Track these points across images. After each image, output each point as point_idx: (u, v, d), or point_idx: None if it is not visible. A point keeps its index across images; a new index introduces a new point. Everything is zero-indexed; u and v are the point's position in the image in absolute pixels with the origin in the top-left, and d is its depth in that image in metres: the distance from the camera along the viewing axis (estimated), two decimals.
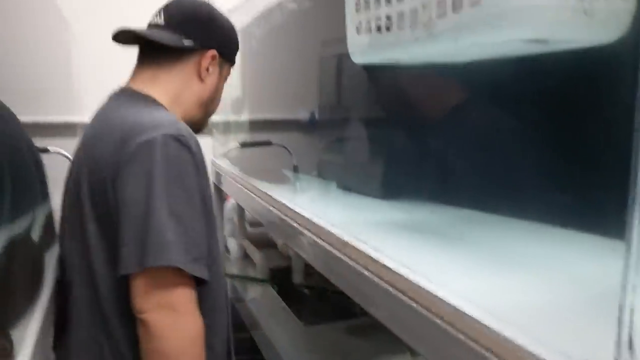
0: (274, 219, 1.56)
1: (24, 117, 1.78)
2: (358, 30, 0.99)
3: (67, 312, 1.04)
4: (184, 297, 0.94)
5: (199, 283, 0.98)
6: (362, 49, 0.99)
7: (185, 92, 1.15)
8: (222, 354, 1.13)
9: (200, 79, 1.16)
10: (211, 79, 1.18)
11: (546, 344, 0.54)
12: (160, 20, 1.14)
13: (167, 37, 1.11)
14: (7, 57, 1.36)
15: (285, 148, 2.00)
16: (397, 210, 1.15)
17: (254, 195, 1.79)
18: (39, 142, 1.74)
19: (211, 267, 1.01)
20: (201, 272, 0.95)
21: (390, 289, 0.85)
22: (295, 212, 1.35)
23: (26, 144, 1.11)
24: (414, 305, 0.76)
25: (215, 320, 1.07)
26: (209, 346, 1.00)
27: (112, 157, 0.98)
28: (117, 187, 0.95)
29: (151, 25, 1.16)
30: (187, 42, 1.12)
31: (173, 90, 1.14)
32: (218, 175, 2.50)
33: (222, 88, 1.24)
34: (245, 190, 1.91)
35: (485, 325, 0.61)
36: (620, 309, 0.46)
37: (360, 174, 1.37)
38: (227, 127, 2.75)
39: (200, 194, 0.99)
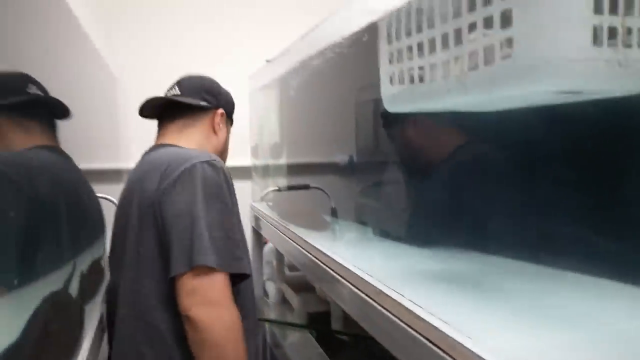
0: (310, 265, 1.55)
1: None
2: (391, 80, 1.00)
3: (114, 330, 1.21)
4: (223, 293, 1.11)
5: (235, 280, 1.18)
6: (395, 99, 1.00)
7: (206, 144, 1.43)
8: (253, 336, 1.33)
9: (215, 132, 1.45)
10: (222, 133, 1.48)
11: None
12: (177, 91, 1.44)
13: (189, 99, 1.41)
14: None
15: (323, 191, 2.02)
16: (433, 259, 1.13)
17: (291, 241, 1.80)
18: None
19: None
20: (243, 269, 1.17)
21: (427, 342, 0.83)
22: (332, 259, 1.34)
23: (87, 190, 1.32)
24: None
25: (245, 311, 1.25)
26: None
27: (157, 185, 1.18)
28: (163, 207, 1.15)
29: (172, 95, 1.44)
30: (203, 103, 1.43)
31: (197, 141, 1.41)
32: (257, 219, 2.52)
33: (229, 140, 1.55)
34: (283, 235, 1.92)
35: None
36: None
37: (397, 220, 1.36)
38: (265, 171, 2.79)
39: (234, 207, 1.22)
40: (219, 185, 1.19)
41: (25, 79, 0.94)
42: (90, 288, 1.25)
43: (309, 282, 2.50)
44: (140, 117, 2.70)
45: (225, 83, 2.92)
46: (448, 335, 0.77)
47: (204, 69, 3.04)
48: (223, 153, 1.51)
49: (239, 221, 1.28)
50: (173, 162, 1.19)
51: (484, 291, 0.92)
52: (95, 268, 1.33)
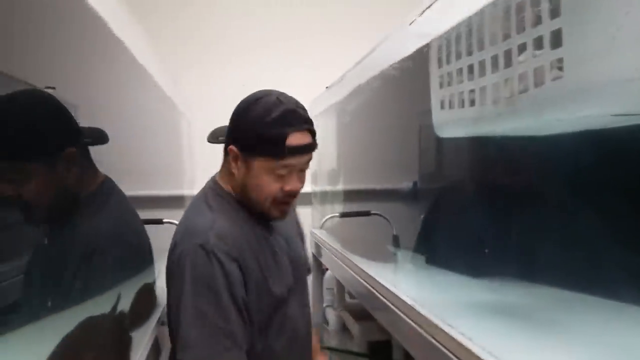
0: (367, 294, 1.53)
1: (144, 191, 1.96)
2: (442, 105, 0.98)
3: None
4: None
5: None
6: (446, 124, 0.98)
7: (234, 181, 1.22)
8: None
9: (232, 170, 1.21)
10: (240, 172, 1.19)
11: None
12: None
13: (212, 135, 1.35)
14: (129, 141, 1.52)
15: (385, 217, 1.99)
16: (489, 291, 1.08)
17: (349, 269, 1.78)
18: (154, 214, 1.89)
19: (258, 340, 1.17)
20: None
21: None
22: (387, 289, 1.31)
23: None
24: None
25: None
26: None
27: (168, 258, 1.17)
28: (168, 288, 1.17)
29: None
30: (221, 138, 1.31)
31: (226, 181, 1.25)
32: (317, 246, 2.52)
33: (261, 180, 1.17)
34: (341, 263, 1.90)
35: None
36: None
37: (450, 249, 1.31)
38: (325, 198, 2.80)
39: (229, 291, 1.10)
40: (208, 271, 1.09)
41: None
42: (139, 314, 1.30)
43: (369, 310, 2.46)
44: (202, 146, 2.87)
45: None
46: None
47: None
48: (251, 193, 1.20)
49: (261, 292, 1.18)
50: (178, 242, 1.16)
51: (540, 324, 0.86)
52: (145, 295, 1.37)
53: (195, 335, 1.05)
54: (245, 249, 1.16)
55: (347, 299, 2.64)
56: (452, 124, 0.96)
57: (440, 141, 1.69)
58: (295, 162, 1.14)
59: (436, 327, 0.96)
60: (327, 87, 2.47)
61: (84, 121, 1.04)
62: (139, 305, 1.25)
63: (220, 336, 1.07)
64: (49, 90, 0.89)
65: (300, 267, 1.36)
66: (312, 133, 1.19)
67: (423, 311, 1.03)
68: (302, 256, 1.41)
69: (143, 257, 1.36)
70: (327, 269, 2.74)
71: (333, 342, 2.36)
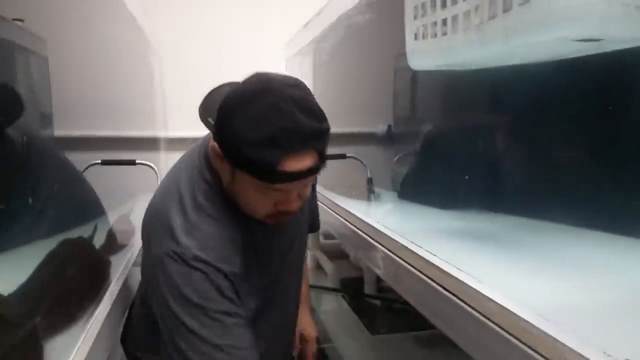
0: (345, 230, 1.57)
1: (115, 133, 1.94)
2: (416, 36, 1.00)
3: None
4: None
5: None
6: (419, 55, 1.00)
7: (220, 171, 0.98)
8: None
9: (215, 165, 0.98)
10: (224, 176, 0.96)
11: (590, 343, 0.52)
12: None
13: (204, 109, 1.07)
14: (102, 82, 1.49)
15: (360, 160, 2.02)
16: (457, 219, 1.14)
17: (327, 207, 1.83)
18: (127, 155, 1.88)
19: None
20: None
21: (443, 290, 0.84)
22: (367, 224, 1.36)
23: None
24: (475, 314, 0.75)
25: None
26: None
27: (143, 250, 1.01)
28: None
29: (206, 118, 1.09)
30: (210, 120, 1.00)
31: (215, 163, 0.98)
32: None
33: (244, 192, 0.94)
34: (319, 203, 1.94)
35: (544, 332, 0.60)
36: None
37: (420, 184, 1.36)
38: None
39: (205, 299, 0.92)
40: (189, 286, 0.92)
41: None
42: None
43: (343, 250, 2.54)
44: (177, 87, 2.79)
45: (262, 53, 2.96)
46: (463, 282, 0.78)
47: (240, 39, 3.08)
48: (239, 201, 0.97)
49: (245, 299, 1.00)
50: (152, 236, 0.97)
51: (501, 245, 0.92)
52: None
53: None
54: (231, 253, 0.97)
55: (322, 240, 2.71)
56: (425, 55, 0.98)
57: (414, 82, 1.71)
58: (291, 187, 0.90)
59: (405, 249, 1.01)
60: (305, 25, 2.44)
61: (52, 56, 1.03)
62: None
63: (219, 353, 0.92)
64: (18, 23, 0.88)
65: (294, 255, 1.17)
66: (319, 150, 0.87)
67: (394, 236, 1.08)
68: (303, 248, 1.23)
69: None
70: None
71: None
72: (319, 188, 2.11)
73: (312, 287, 2.27)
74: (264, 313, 1.07)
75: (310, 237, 2.66)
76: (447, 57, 0.93)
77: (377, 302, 2.09)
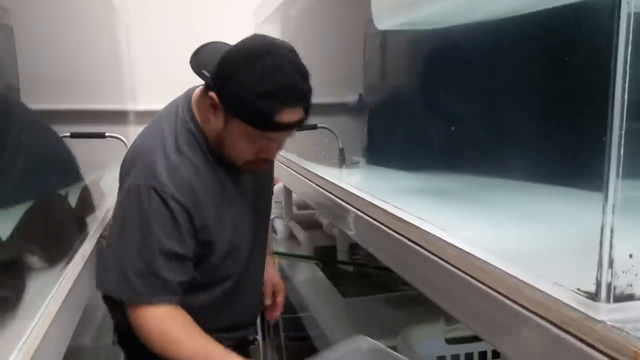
0: (318, 196, 1.59)
1: (84, 105, 1.90)
2: None
3: None
4: (137, 320, 1.07)
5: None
6: (384, 13, 1.01)
7: (205, 126, 1.12)
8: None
9: (208, 118, 1.09)
10: (216, 123, 1.07)
11: (541, 275, 0.56)
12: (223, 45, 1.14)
13: (197, 63, 1.12)
14: (69, 53, 1.45)
15: (331, 131, 2.03)
16: (422, 180, 1.17)
17: (300, 176, 1.85)
18: (97, 128, 1.85)
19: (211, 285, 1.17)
20: (150, 302, 1.06)
21: (406, 240, 0.87)
22: (338, 187, 1.38)
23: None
24: (438, 260, 0.78)
25: (206, 313, 1.16)
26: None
27: (120, 184, 1.13)
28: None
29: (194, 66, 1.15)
30: (205, 72, 1.08)
31: (202, 115, 1.11)
32: None
33: (233, 139, 1.07)
34: (292, 171, 1.96)
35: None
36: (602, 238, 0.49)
37: (386, 149, 1.39)
38: None
39: (166, 235, 1.05)
40: (149, 213, 1.04)
41: None
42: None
43: (316, 220, 2.57)
44: (147, 59, 2.74)
45: (232, 20, 2.91)
46: (427, 232, 0.81)
47: (207, 8, 3.03)
48: (222, 146, 1.10)
49: (209, 236, 1.12)
50: (130, 170, 1.09)
51: (461, 201, 0.96)
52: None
53: (125, 268, 1.04)
54: (203, 201, 1.09)
55: (295, 210, 2.73)
56: (390, 13, 0.99)
57: (383, 48, 1.72)
58: (279, 136, 1.06)
59: (372, 205, 1.04)
60: None
61: (17, 26, 0.99)
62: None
63: (151, 278, 1.05)
64: None
65: (262, 215, 1.31)
66: (306, 108, 1.04)
67: (363, 195, 1.10)
68: (267, 206, 1.37)
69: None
70: (276, 183, 2.81)
71: (281, 249, 2.46)
72: (293, 157, 2.13)
73: (286, 255, 2.30)
74: (235, 262, 1.19)
75: (284, 208, 2.69)
76: (410, 14, 0.94)
77: (350, 268, 2.14)
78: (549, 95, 0.81)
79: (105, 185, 1.50)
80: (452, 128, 1.08)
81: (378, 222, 1.03)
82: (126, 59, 2.64)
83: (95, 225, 1.27)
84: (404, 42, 1.46)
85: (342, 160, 1.79)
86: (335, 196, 1.40)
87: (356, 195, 1.21)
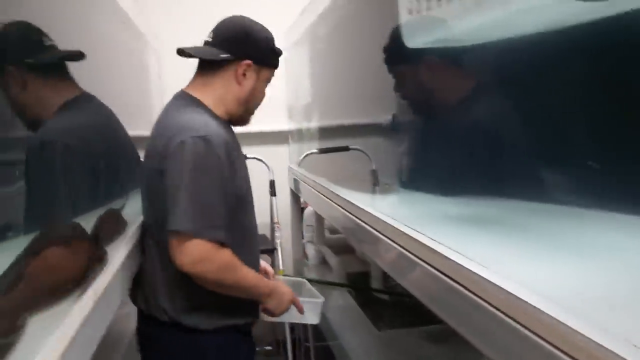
0: (349, 224, 1.52)
1: None
2: (410, 11, 0.94)
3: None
4: (202, 253, 1.26)
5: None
6: (413, 30, 0.94)
7: (226, 94, 1.43)
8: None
9: (238, 82, 1.42)
10: (248, 82, 1.43)
11: (606, 330, 0.46)
12: (209, 38, 1.45)
13: (208, 53, 1.42)
14: (95, 80, 1.45)
15: (364, 152, 1.97)
16: (461, 206, 1.08)
17: (330, 201, 1.78)
18: None
19: (235, 233, 1.35)
20: (217, 237, 1.27)
21: (450, 281, 0.79)
22: (370, 215, 1.31)
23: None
24: (484, 304, 0.69)
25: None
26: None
27: (161, 151, 1.31)
28: (163, 175, 1.29)
29: (205, 42, 1.46)
30: (223, 56, 1.40)
31: (217, 92, 1.43)
32: (296, 182, 2.51)
33: (261, 88, 1.48)
34: (322, 196, 1.89)
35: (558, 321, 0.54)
36: None
37: (422, 172, 1.30)
38: (303, 134, 2.76)
39: (223, 181, 1.30)
40: (206, 159, 1.28)
41: (38, 32, 0.94)
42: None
43: (348, 244, 2.48)
44: (174, 84, 2.74)
45: None
46: (468, 269, 0.72)
47: None
48: (249, 102, 1.46)
49: (243, 192, 1.43)
50: (174, 132, 1.30)
51: (506, 230, 0.86)
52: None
53: (193, 210, 1.24)
54: (233, 148, 1.37)
55: (327, 234, 2.66)
56: (420, 30, 0.92)
57: (416, 67, 1.65)
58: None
59: (406, 236, 0.95)
60: (301, 13, 2.38)
61: None
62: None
63: (214, 214, 1.27)
64: None
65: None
66: None
67: (395, 223, 1.02)
68: None
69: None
70: (306, 206, 2.74)
71: (313, 275, 2.38)
72: (323, 181, 2.07)
73: (317, 282, 2.22)
74: (251, 215, 1.50)
75: (315, 232, 2.62)
76: (442, 31, 0.87)
77: (385, 296, 2.04)
78: (608, 111, 0.72)
79: (127, 212, 1.47)
80: (496, 148, 0.99)
81: (411, 253, 0.95)
82: (156, 85, 2.64)
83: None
84: (440, 60, 1.39)
85: (375, 184, 1.71)
86: (365, 222, 1.32)
87: (387, 222, 1.12)
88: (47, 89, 1.04)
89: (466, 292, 0.74)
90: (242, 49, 1.40)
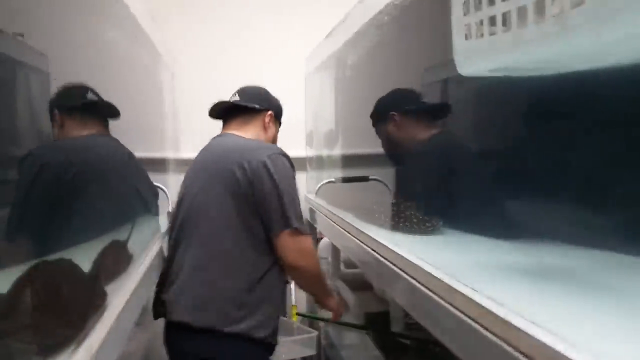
0: (367, 258, 1.41)
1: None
2: (467, 35, 0.83)
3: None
4: (310, 245, 1.69)
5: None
6: (472, 56, 0.83)
7: (258, 138, 1.79)
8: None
9: (265, 130, 1.83)
10: (271, 130, 1.85)
11: None
12: (237, 98, 1.82)
13: (248, 103, 1.81)
14: (108, 99, 1.42)
15: (384, 183, 1.86)
16: (518, 252, 0.95)
17: (348, 234, 1.66)
18: None
19: None
20: (309, 233, 1.69)
21: (509, 347, 0.67)
22: (392, 252, 1.20)
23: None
24: None
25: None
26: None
27: (243, 164, 1.59)
28: (256, 185, 1.58)
29: (234, 101, 1.82)
30: (256, 106, 1.81)
31: (253, 135, 1.80)
32: (312, 211, 2.39)
33: (276, 134, 1.90)
34: (339, 228, 1.77)
35: None
36: None
37: (471, 210, 1.18)
38: (321, 162, 2.66)
39: (294, 177, 1.67)
40: (291, 171, 1.65)
41: (84, 89, 1.23)
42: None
43: (366, 280, 2.34)
44: (189, 109, 2.71)
45: (282, 69, 2.83)
46: (543, 343, 0.60)
47: (259, 57, 2.95)
48: (273, 143, 1.84)
49: None
50: (255, 149, 1.65)
51: (580, 287, 0.74)
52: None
53: (296, 212, 1.59)
54: None
55: (343, 268, 2.52)
56: (479, 56, 0.81)
57: (445, 95, 1.55)
58: None
59: (452, 289, 0.83)
60: (326, 37, 2.29)
61: (54, 72, 1.04)
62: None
63: (300, 215, 1.63)
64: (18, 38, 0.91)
65: None
66: None
67: (436, 273, 0.90)
68: None
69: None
70: (321, 238, 2.62)
71: (327, 313, 2.23)
72: (336, 210, 1.97)
73: (334, 323, 2.08)
74: None
75: (331, 265, 2.49)
76: (510, 57, 0.76)
77: (407, 341, 1.89)
78: None
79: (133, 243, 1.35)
80: (565, 183, 0.86)
81: (460, 311, 0.83)
82: (170, 105, 2.56)
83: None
84: (474, 90, 1.29)
85: (399, 216, 1.59)
86: (387, 259, 1.21)
87: (421, 268, 1.00)
88: (77, 127, 1.27)
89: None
90: (266, 103, 1.81)
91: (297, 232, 1.58)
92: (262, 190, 1.57)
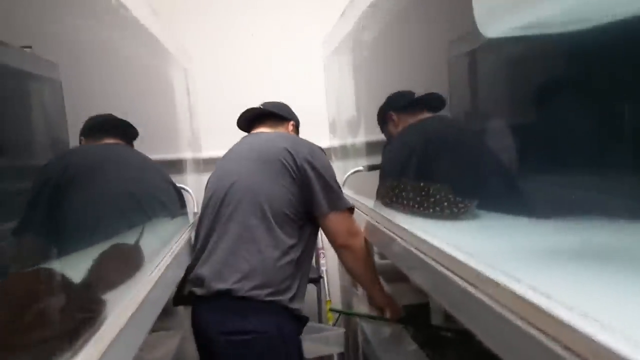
0: (397, 249, 1.32)
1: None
2: None
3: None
4: (357, 225, 1.77)
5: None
6: (493, 15, 0.72)
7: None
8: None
9: None
10: (294, 133, 1.96)
11: None
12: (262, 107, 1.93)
13: (276, 111, 1.93)
14: (121, 104, 1.49)
15: None
16: (560, 232, 0.84)
17: (378, 224, 1.57)
18: None
19: None
20: (352, 212, 1.76)
21: (551, 343, 0.56)
22: (423, 241, 1.10)
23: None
24: None
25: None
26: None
27: (289, 151, 1.69)
28: (305, 170, 1.68)
29: (259, 108, 1.93)
30: (283, 114, 1.93)
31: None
32: None
33: None
34: (372, 221, 1.68)
35: None
36: None
37: (501, 189, 1.07)
38: (345, 151, 2.56)
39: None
40: (327, 160, 1.77)
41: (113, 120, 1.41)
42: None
43: (403, 271, 2.23)
44: (206, 110, 2.70)
45: (299, 56, 2.76)
46: (597, 341, 0.49)
47: (275, 48, 2.88)
48: None
49: None
50: (297, 140, 1.77)
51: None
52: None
53: (341, 194, 1.72)
54: None
55: (377, 259, 2.42)
56: (502, 12, 0.70)
57: (473, 69, 1.43)
58: None
59: (487, 280, 0.72)
60: (341, 15, 2.19)
61: (66, 80, 1.06)
62: None
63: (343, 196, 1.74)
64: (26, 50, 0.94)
65: None
66: None
67: (469, 261, 0.79)
68: None
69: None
70: None
71: (363, 308, 2.14)
72: (364, 200, 1.89)
73: (369, 317, 1.98)
74: None
75: None
76: (535, 10, 0.65)
77: (448, 333, 1.77)
78: None
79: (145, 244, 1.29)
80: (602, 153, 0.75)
81: (498, 302, 0.72)
82: (185, 106, 2.53)
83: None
84: (504, 60, 1.17)
85: (436, 202, 1.48)
86: (416, 248, 1.11)
87: (458, 260, 0.89)
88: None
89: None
90: (289, 114, 1.95)
91: (346, 212, 1.68)
92: (308, 176, 1.67)
